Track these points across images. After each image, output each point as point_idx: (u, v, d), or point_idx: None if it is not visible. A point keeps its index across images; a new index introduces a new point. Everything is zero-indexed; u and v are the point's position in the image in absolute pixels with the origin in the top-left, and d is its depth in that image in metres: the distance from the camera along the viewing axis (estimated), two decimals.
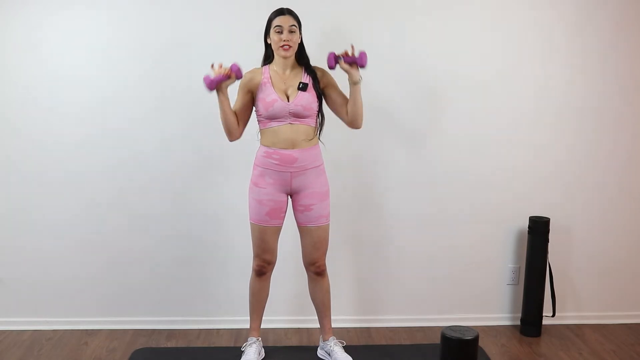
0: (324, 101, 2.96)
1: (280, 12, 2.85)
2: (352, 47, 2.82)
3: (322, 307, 3.09)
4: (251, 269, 3.04)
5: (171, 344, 3.36)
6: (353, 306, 3.60)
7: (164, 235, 3.47)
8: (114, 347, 3.31)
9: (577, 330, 3.60)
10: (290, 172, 2.89)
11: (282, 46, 2.82)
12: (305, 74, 2.91)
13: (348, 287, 3.57)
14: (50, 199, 3.41)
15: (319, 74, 2.93)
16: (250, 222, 2.97)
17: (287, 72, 2.90)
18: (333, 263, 3.22)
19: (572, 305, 3.68)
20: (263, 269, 3.01)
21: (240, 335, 3.41)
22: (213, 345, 3.34)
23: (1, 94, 3.33)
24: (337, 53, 2.84)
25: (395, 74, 3.42)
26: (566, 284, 3.65)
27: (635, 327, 3.64)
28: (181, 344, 3.36)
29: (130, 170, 3.41)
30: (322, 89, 2.93)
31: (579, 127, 3.54)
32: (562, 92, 3.51)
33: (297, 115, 2.86)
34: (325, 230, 2.98)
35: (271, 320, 3.43)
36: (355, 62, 2.81)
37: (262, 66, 2.96)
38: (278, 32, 2.82)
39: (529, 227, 3.50)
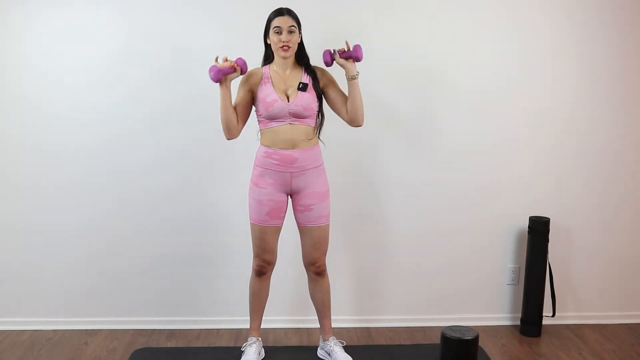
0: (324, 101, 2.96)
1: (280, 12, 2.84)
2: (347, 43, 2.84)
3: (322, 307, 3.08)
4: (251, 269, 3.04)
5: (171, 344, 3.36)
6: (353, 306, 3.60)
7: (164, 236, 3.47)
8: (114, 347, 3.31)
9: (577, 330, 3.60)
10: (290, 172, 2.89)
11: (281, 47, 2.82)
12: (305, 74, 2.91)
13: (348, 287, 3.57)
14: (50, 201, 3.41)
15: (318, 73, 2.93)
16: (250, 222, 2.96)
17: (287, 72, 2.90)
18: (333, 263, 3.22)
19: (572, 305, 3.68)
20: (263, 269, 3.01)
21: (240, 335, 3.41)
22: (213, 345, 3.34)
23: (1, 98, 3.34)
24: (332, 49, 2.85)
25: (396, 74, 3.41)
26: (566, 284, 3.65)
27: (635, 327, 3.64)
28: (181, 344, 3.36)
29: (130, 171, 3.40)
30: (322, 88, 2.93)
31: (579, 128, 3.54)
32: (562, 93, 3.51)
33: (297, 116, 2.85)
34: (325, 230, 2.98)
35: (271, 320, 3.43)
36: (351, 56, 2.82)
37: (262, 66, 2.96)
38: (277, 32, 2.82)
39: (529, 227, 3.50)
